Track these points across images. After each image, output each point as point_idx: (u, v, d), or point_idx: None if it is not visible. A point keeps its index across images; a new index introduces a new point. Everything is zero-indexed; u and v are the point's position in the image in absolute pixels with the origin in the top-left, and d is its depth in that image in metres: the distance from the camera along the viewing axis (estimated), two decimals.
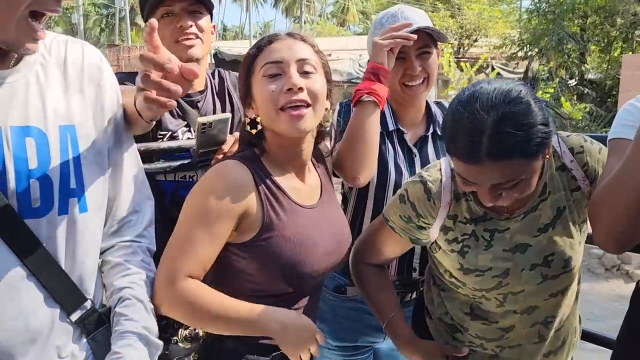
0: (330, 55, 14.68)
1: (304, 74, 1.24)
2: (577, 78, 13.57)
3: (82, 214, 1.06)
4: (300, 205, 1.28)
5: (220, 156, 1.57)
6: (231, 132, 1.79)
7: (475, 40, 21.47)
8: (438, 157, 1.70)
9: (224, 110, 1.80)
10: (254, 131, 1.30)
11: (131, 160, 1.21)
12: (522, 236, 1.30)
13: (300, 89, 1.21)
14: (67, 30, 40.10)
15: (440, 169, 1.37)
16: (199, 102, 1.75)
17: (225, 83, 1.87)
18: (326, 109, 1.32)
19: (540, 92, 10.95)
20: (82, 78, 1.10)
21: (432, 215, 1.34)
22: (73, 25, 31.64)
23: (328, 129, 1.40)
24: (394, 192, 1.53)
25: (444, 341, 1.46)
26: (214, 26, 1.79)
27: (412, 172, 1.68)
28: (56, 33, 1.13)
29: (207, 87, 1.81)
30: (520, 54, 14.82)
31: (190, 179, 1.70)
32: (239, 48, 15.66)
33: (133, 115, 1.19)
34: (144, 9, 1.74)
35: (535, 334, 1.37)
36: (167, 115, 1.69)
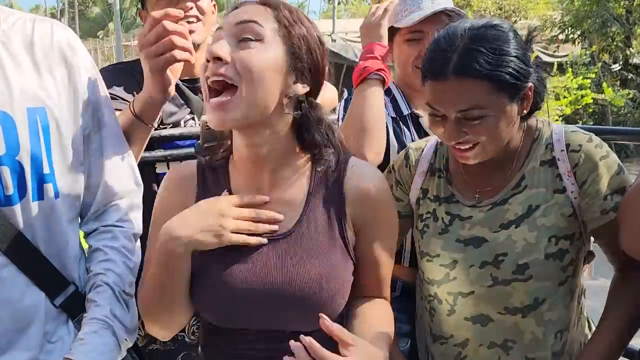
0: None
1: (242, 41, 0.93)
2: (620, 62, 13.09)
3: (58, 200, 1.04)
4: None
5: None
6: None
7: (515, 23, 20.89)
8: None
9: None
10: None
11: (116, 144, 1.16)
12: (482, 229, 1.19)
13: (218, 59, 0.92)
14: (104, 10, 40.66)
15: (427, 141, 1.35)
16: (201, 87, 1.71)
17: None
18: (295, 96, 1.00)
19: (581, 77, 10.61)
20: (52, 58, 1.04)
21: (408, 184, 1.33)
22: (110, 5, 32.07)
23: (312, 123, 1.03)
24: None
25: None
26: (214, 4, 1.68)
27: None
28: (23, 12, 1.08)
29: None
30: (561, 36, 14.35)
31: None
32: None
33: (133, 124, 1.20)
34: None
35: (496, 358, 1.21)
36: (169, 104, 1.61)
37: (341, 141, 1.07)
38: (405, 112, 1.65)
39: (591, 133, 1.19)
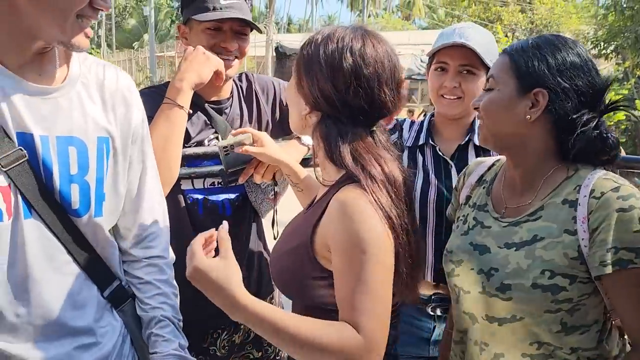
0: None
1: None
2: None
3: (112, 216, 1.24)
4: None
5: (251, 172, 1.62)
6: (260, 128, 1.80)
7: None
8: None
9: (250, 116, 1.82)
10: None
11: (154, 174, 1.35)
12: (491, 241, 1.26)
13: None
14: (140, 22, 41.65)
15: (486, 160, 1.48)
16: (226, 109, 1.78)
17: (253, 86, 1.87)
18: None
19: (614, 92, 10.44)
20: (116, 97, 1.23)
21: (459, 191, 1.47)
22: (145, 17, 32.86)
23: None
24: (421, 201, 1.69)
25: None
26: None
27: (446, 182, 1.71)
28: (94, 57, 1.27)
29: (233, 94, 1.81)
30: (593, 52, 14.15)
31: (219, 185, 1.74)
32: (300, 42, 15.79)
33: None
34: (186, 6, 1.70)
35: (478, 354, 1.28)
36: (195, 124, 1.72)
37: (364, 164, 1.14)
38: (422, 141, 1.78)
39: (624, 183, 1.15)
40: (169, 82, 1.67)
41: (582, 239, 1.14)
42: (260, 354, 1.89)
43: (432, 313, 1.76)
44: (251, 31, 1.76)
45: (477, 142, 1.72)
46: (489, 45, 1.69)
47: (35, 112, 1.09)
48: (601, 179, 1.16)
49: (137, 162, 1.29)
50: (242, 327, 1.83)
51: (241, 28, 1.70)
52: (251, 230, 1.82)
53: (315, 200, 1.26)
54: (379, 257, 1.05)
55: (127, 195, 1.28)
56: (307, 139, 1.70)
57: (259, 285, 1.84)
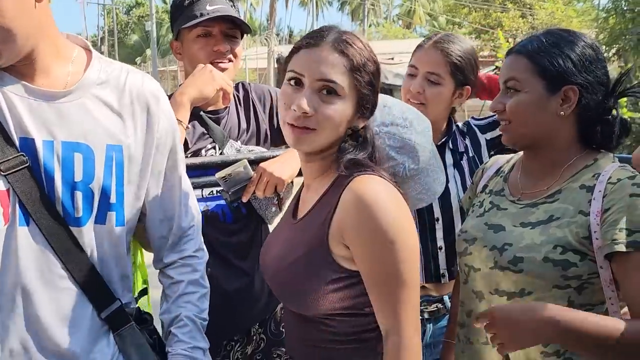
0: (392, 58, 14.58)
1: (322, 94, 1.11)
2: None
3: (118, 227, 1.18)
4: (289, 217, 1.29)
5: (252, 190, 1.61)
6: (258, 144, 1.81)
7: None
8: (454, 167, 1.77)
9: (248, 125, 1.82)
10: None
11: (186, 182, 1.34)
12: (507, 221, 1.31)
13: (305, 113, 1.10)
14: (142, 38, 42.03)
15: (504, 157, 1.51)
16: (223, 118, 1.78)
17: (250, 95, 1.87)
18: (355, 128, 1.17)
19: None
20: (137, 104, 1.19)
21: (477, 184, 1.50)
22: (147, 33, 33.16)
23: (363, 149, 1.18)
24: None
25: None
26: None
27: None
28: (121, 63, 1.25)
29: (230, 103, 1.81)
30: None
31: (218, 194, 1.73)
32: None
33: None
34: (176, 20, 1.73)
35: (483, 334, 1.28)
36: (192, 134, 1.72)
37: (376, 159, 1.19)
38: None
39: None
40: (172, 94, 1.68)
41: (595, 218, 1.17)
42: None
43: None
44: (242, 36, 1.78)
45: (450, 146, 1.78)
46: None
47: (39, 116, 1.08)
48: (619, 169, 1.22)
49: (169, 170, 1.27)
50: (254, 337, 1.82)
51: (231, 31, 1.72)
52: (258, 238, 1.81)
53: (310, 201, 1.21)
54: (408, 244, 1.08)
55: (160, 205, 1.27)
56: None
57: (270, 293, 1.82)
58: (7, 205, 1.05)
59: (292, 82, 1.13)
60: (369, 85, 1.15)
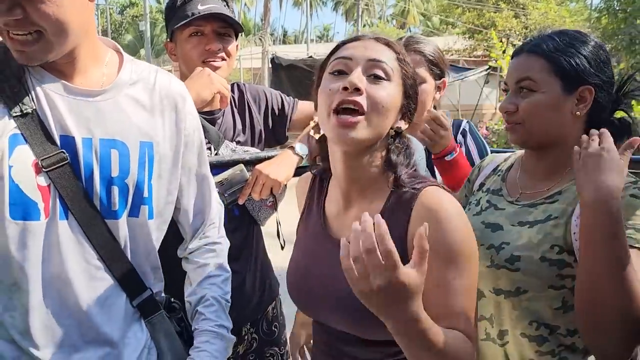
0: None
1: (373, 77, 1.06)
2: None
3: (150, 220, 1.22)
4: (329, 233, 1.17)
5: (248, 192, 1.63)
6: (253, 145, 1.81)
7: None
8: (428, 165, 1.76)
9: (243, 126, 1.83)
10: (317, 135, 1.28)
11: (210, 177, 1.40)
12: (505, 220, 1.30)
13: (358, 89, 1.03)
14: (136, 37, 41.86)
15: (501, 155, 1.51)
16: (218, 119, 1.78)
17: (245, 96, 1.87)
18: (398, 130, 1.11)
19: None
20: (166, 104, 1.24)
21: (473, 182, 1.50)
22: (141, 32, 33.05)
23: (407, 159, 1.13)
24: None
25: None
26: (237, 46, 1.81)
27: None
28: (147, 63, 1.29)
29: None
30: None
31: None
32: (297, 53, 15.86)
33: None
34: (170, 22, 1.74)
35: (483, 330, 1.31)
36: None
37: (417, 169, 1.16)
38: None
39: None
40: None
41: (576, 220, 1.16)
42: None
43: None
44: (236, 36, 1.78)
45: (430, 150, 1.74)
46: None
47: (79, 114, 1.12)
48: None
49: (196, 167, 1.33)
50: (245, 337, 1.82)
51: (223, 30, 1.72)
52: (250, 239, 1.81)
53: (357, 218, 0.97)
54: (473, 260, 1.04)
55: (194, 199, 1.33)
56: (301, 149, 1.70)
57: (262, 292, 1.83)
58: (47, 200, 1.09)
59: (336, 72, 1.08)
60: (412, 78, 1.12)
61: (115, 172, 1.14)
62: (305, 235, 1.25)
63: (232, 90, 1.87)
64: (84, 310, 1.13)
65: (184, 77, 1.77)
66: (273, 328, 1.89)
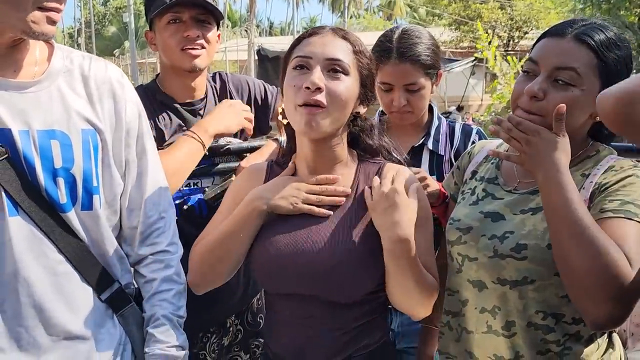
0: None
1: (332, 72, 1.18)
2: (635, 71, 13.01)
3: (102, 210, 1.19)
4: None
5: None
6: (235, 135, 1.79)
7: (526, 33, 20.84)
8: (430, 171, 1.74)
9: None
10: (285, 121, 1.30)
11: (155, 168, 1.31)
12: (505, 209, 1.29)
13: (319, 89, 1.16)
14: (120, 29, 41.37)
15: (492, 142, 1.50)
16: (200, 110, 1.76)
17: (227, 86, 1.85)
18: (358, 114, 1.27)
19: None
20: (102, 90, 1.21)
21: (464, 169, 1.48)
22: (125, 24, 32.65)
23: (367, 132, 1.31)
24: None
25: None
26: (218, 35, 1.78)
27: None
28: (81, 51, 1.26)
29: (207, 94, 1.80)
30: None
31: (195, 186, 1.71)
32: (283, 44, 15.76)
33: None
34: (149, 11, 1.71)
35: (484, 323, 1.30)
36: (169, 126, 1.71)
37: (386, 145, 1.32)
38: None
39: None
40: (154, 79, 1.72)
41: (585, 191, 1.18)
42: (248, 356, 1.88)
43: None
44: (218, 24, 1.74)
45: (430, 147, 1.75)
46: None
47: (13, 107, 1.08)
48: (620, 159, 1.24)
49: (137, 157, 1.27)
50: (230, 329, 1.82)
51: (203, 16, 1.68)
52: None
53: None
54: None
55: (130, 193, 1.25)
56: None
57: (246, 285, 1.82)
58: None
59: (298, 67, 1.19)
60: (368, 68, 1.25)
61: (58, 163, 1.11)
62: (275, 217, 1.26)
63: (214, 80, 1.86)
64: (49, 309, 1.10)
65: (164, 66, 1.74)
66: (258, 319, 1.89)
